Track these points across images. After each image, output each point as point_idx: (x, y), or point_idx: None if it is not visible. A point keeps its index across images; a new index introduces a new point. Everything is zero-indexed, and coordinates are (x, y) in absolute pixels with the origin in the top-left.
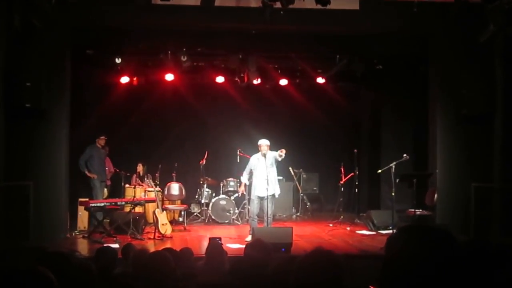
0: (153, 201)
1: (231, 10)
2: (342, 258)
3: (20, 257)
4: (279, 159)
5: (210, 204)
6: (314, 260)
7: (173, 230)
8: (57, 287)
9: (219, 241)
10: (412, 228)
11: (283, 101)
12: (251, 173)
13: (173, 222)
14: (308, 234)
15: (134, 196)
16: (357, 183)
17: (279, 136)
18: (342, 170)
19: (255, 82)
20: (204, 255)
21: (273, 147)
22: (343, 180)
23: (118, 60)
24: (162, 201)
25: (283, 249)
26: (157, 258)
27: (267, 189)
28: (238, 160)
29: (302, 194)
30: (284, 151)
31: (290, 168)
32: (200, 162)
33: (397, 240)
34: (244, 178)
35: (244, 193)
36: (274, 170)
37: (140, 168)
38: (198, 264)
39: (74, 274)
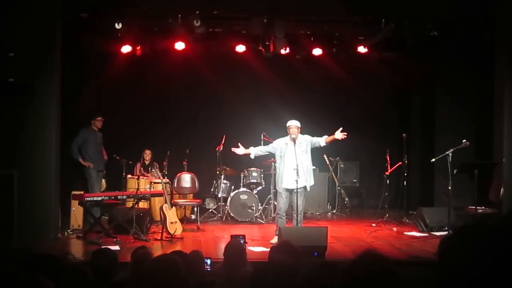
0: (160, 194)
1: None
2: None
3: (2, 260)
4: (322, 144)
5: (229, 199)
6: (365, 270)
7: (184, 230)
8: None
9: (243, 240)
10: (471, 228)
11: (317, 75)
12: (262, 151)
13: (184, 220)
14: (346, 235)
15: (138, 189)
16: (406, 174)
17: (311, 116)
18: (388, 159)
19: (282, 51)
20: (221, 260)
21: (304, 130)
22: (389, 170)
23: (118, 26)
24: (171, 195)
25: (315, 254)
26: (164, 263)
27: (296, 180)
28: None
29: (339, 188)
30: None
31: (325, 156)
32: (217, 149)
33: (452, 243)
34: (253, 150)
35: (237, 153)
36: (308, 158)
37: (147, 155)
38: (215, 267)
39: (67, 280)
